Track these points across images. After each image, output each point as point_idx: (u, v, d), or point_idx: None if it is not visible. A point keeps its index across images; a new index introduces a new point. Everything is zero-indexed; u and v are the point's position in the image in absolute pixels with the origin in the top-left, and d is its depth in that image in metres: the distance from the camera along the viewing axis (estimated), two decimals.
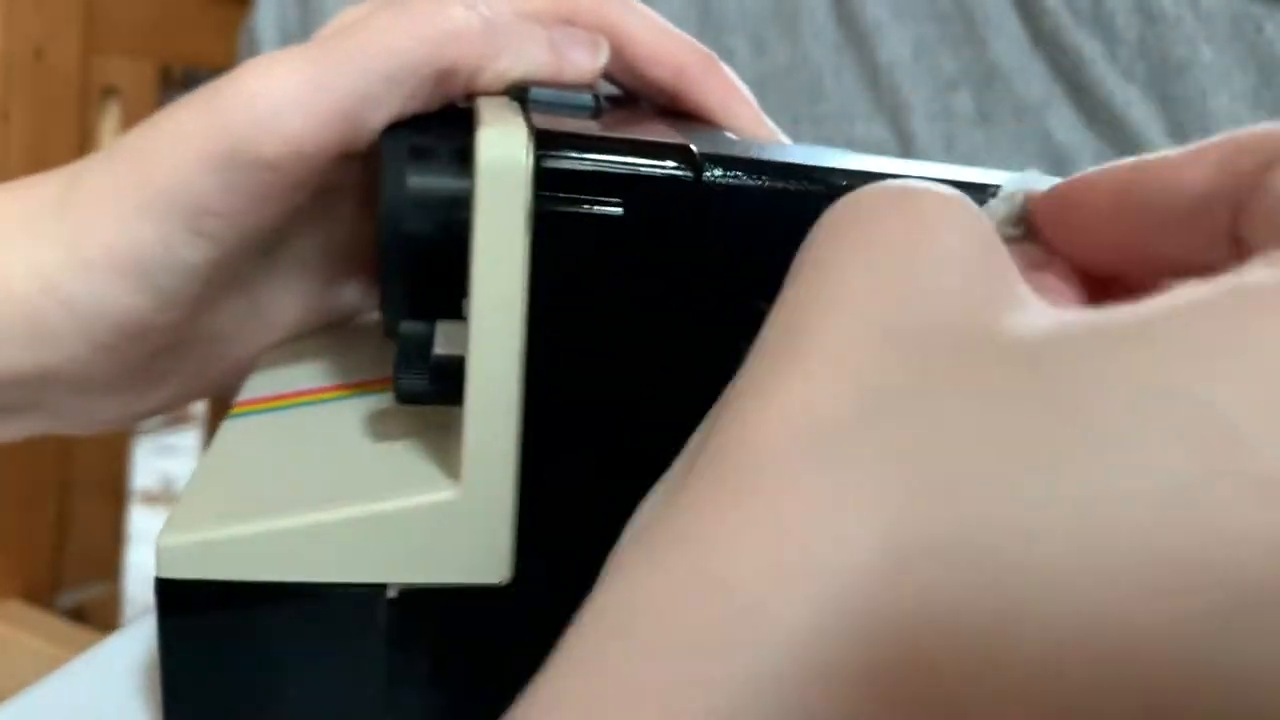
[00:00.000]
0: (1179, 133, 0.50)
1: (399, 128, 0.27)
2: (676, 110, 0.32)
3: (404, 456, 0.25)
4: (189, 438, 1.73)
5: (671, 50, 0.31)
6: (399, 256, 0.26)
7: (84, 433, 0.34)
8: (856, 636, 0.12)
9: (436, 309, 0.26)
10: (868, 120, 0.57)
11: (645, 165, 0.23)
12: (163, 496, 1.64)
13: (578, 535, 0.20)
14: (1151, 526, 0.11)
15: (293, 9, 0.71)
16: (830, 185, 0.23)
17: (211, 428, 1.09)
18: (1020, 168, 0.22)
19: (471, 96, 0.28)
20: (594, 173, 0.22)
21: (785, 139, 0.32)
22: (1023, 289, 0.15)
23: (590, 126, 0.25)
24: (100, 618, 1.01)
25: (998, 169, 0.25)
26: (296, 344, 0.34)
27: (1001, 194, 0.21)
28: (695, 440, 0.16)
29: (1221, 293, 0.12)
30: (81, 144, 0.90)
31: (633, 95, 0.33)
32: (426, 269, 0.26)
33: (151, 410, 0.33)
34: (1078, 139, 0.52)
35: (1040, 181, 0.21)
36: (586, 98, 0.28)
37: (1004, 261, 0.16)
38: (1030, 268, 0.20)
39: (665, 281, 0.23)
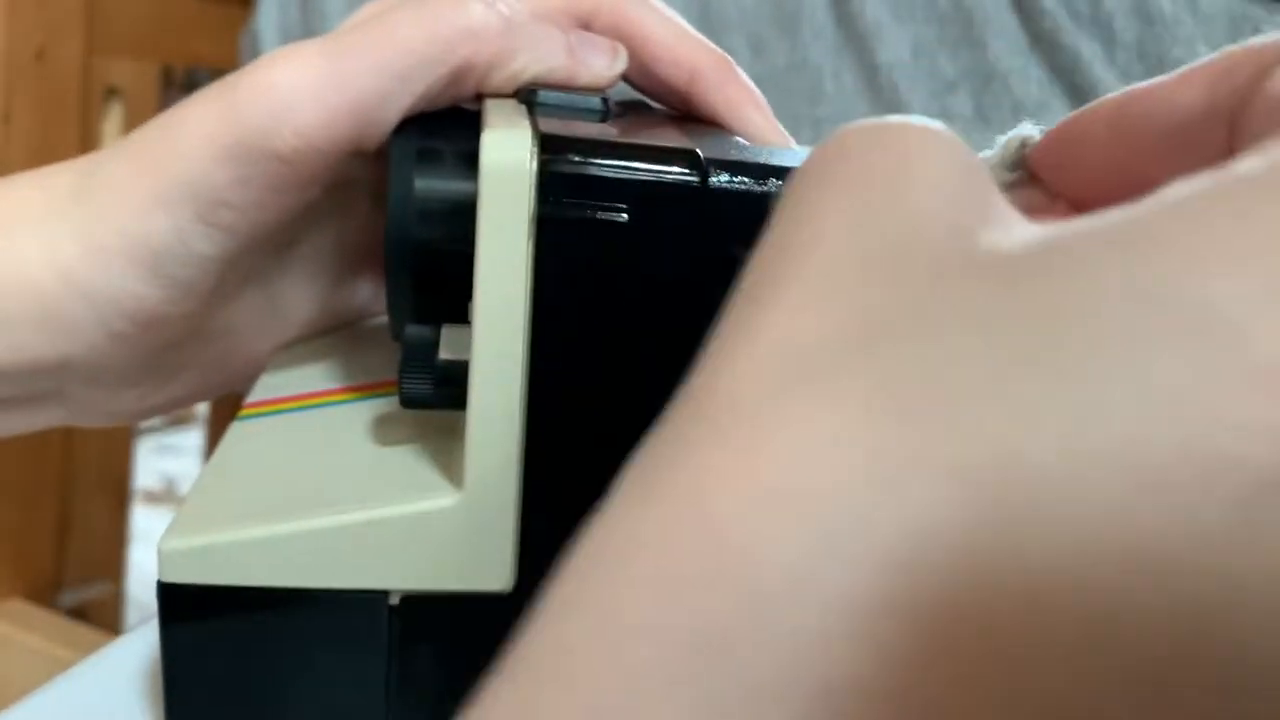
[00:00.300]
0: None
1: (408, 129, 0.27)
2: (689, 114, 0.32)
3: (408, 462, 0.25)
4: (191, 437, 1.73)
5: (687, 53, 0.31)
6: (405, 259, 0.26)
7: (101, 425, 0.34)
8: (851, 566, 0.11)
9: (443, 313, 0.26)
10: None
11: (651, 170, 0.23)
12: (165, 496, 1.64)
13: None
14: (1158, 425, 0.11)
15: (294, 9, 0.71)
16: None
17: (213, 427, 1.09)
18: None
19: (481, 97, 0.28)
20: (599, 178, 0.22)
21: (796, 145, 0.31)
22: (1007, 209, 0.15)
23: (597, 131, 0.25)
24: (102, 617, 1.01)
25: None
26: (306, 345, 0.34)
27: (1000, 139, 0.21)
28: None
29: (1212, 185, 0.12)
30: (83, 145, 0.90)
31: (645, 98, 0.33)
32: (433, 273, 0.26)
33: (168, 404, 0.34)
34: None
35: (1034, 131, 0.21)
36: (595, 101, 0.28)
37: (986, 185, 0.15)
38: (1029, 212, 0.20)
39: (670, 288, 0.23)
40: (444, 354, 0.25)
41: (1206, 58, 0.17)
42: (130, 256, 0.28)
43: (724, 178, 0.23)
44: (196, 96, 0.28)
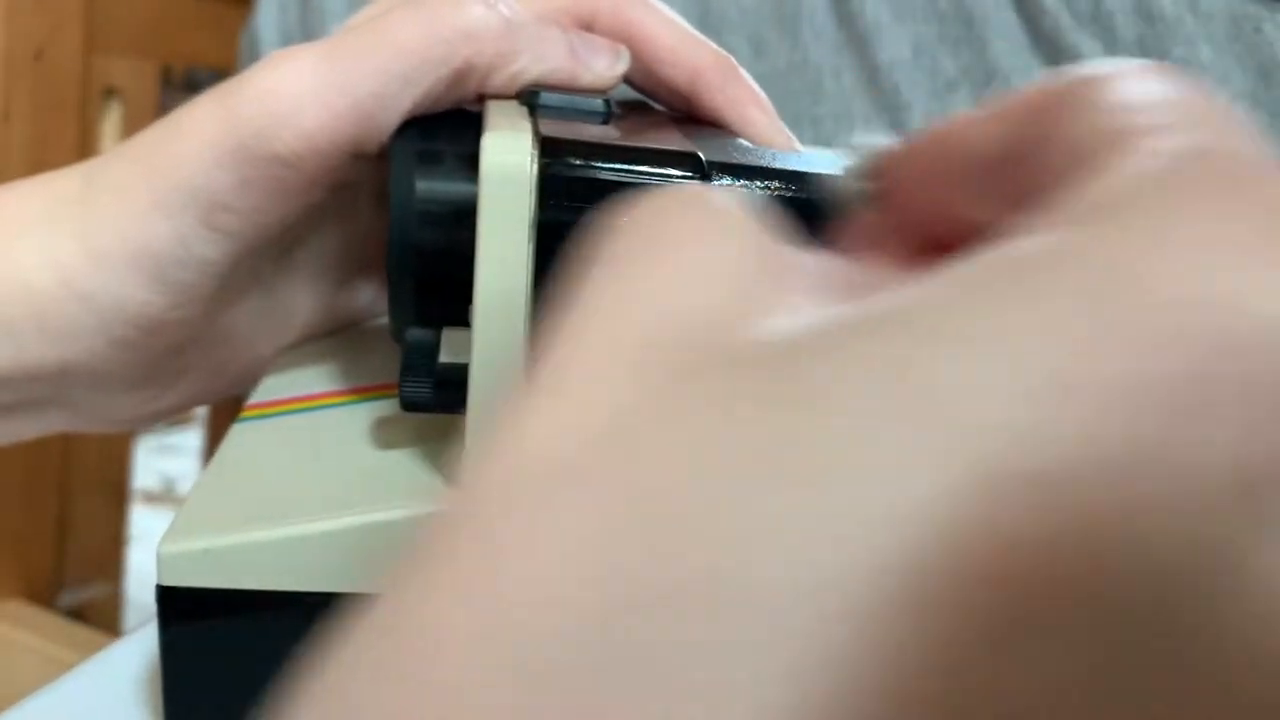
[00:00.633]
0: None
1: (409, 132, 0.27)
2: (691, 116, 0.31)
3: (408, 465, 0.25)
4: (190, 438, 1.73)
5: (689, 53, 0.31)
6: (406, 262, 0.26)
7: (103, 430, 0.34)
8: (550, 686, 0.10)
9: (444, 316, 0.26)
10: (867, 121, 0.57)
11: (652, 173, 0.22)
12: (164, 496, 1.64)
13: None
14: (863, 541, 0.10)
15: (294, 9, 0.71)
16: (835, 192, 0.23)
17: (212, 428, 1.09)
18: None
19: (483, 99, 0.28)
20: (600, 181, 0.22)
21: (800, 146, 0.31)
22: (795, 296, 0.14)
23: (599, 133, 0.25)
24: (101, 618, 1.01)
25: None
26: (308, 347, 0.34)
27: (853, 144, 0.21)
28: None
29: (975, 273, 0.12)
30: (82, 145, 0.90)
31: (647, 100, 0.33)
32: (433, 275, 0.26)
33: (171, 408, 0.34)
34: None
35: (884, 137, 0.21)
36: (597, 103, 0.28)
37: (778, 270, 0.14)
38: (869, 241, 0.19)
39: None
40: (444, 357, 0.25)
41: (1010, 93, 0.16)
42: (131, 261, 0.28)
43: (725, 181, 0.23)
44: (197, 101, 0.28)
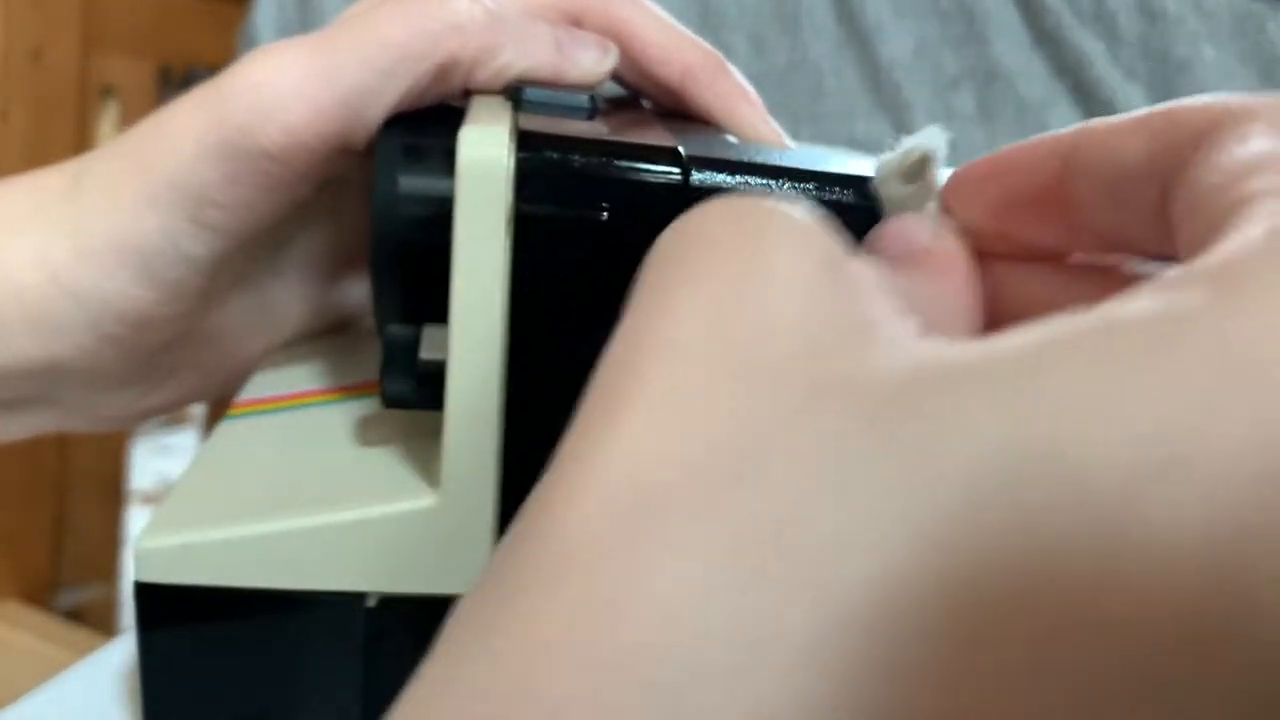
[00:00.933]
0: None
1: (394, 126, 0.27)
2: (681, 112, 0.31)
3: (388, 462, 0.25)
4: (187, 438, 1.73)
5: (678, 50, 0.31)
6: (389, 257, 0.26)
7: (94, 429, 0.34)
8: None
9: (428, 312, 0.26)
10: (869, 119, 0.56)
11: (631, 168, 0.22)
12: (161, 497, 1.63)
13: None
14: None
15: (291, 7, 0.71)
16: (824, 189, 0.23)
17: (210, 429, 1.09)
18: None
19: (469, 94, 0.28)
20: (578, 175, 0.22)
21: (790, 142, 0.31)
22: (869, 313, 0.13)
23: (581, 128, 0.25)
24: (98, 619, 1.01)
25: None
26: (300, 345, 0.34)
27: (900, 147, 0.21)
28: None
29: (1088, 333, 0.11)
30: (80, 143, 0.90)
31: (636, 96, 0.33)
32: (416, 271, 0.25)
33: (161, 407, 0.34)
34: None
35: (939, 143, 0.20)
36: (583, 99, 0.27)
37: (853, 282, 0.14)
38: (909, 253, 0.19)
39: None
40: (425, 353, 0.24)
41: (1158, 106, 0.16)
42: (119, 257, 0.28)
43: (706, 175, 0.22)
44: (186, 96, 0.28)
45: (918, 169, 0.20)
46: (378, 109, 0.27)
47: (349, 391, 0.30)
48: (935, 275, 0.18)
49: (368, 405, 0.28)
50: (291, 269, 0.33)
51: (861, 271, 0.15)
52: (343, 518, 0.23)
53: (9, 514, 0.93)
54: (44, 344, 0.29)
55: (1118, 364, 0.11)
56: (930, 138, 0.20)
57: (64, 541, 0.98)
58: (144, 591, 0.23)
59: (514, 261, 0.22)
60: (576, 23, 0.31)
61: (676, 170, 0.22)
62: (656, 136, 0.24)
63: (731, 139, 0.29)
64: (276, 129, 0.26)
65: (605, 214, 0.22)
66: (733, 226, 0.15)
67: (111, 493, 1.03)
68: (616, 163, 0.22)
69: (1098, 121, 0.17)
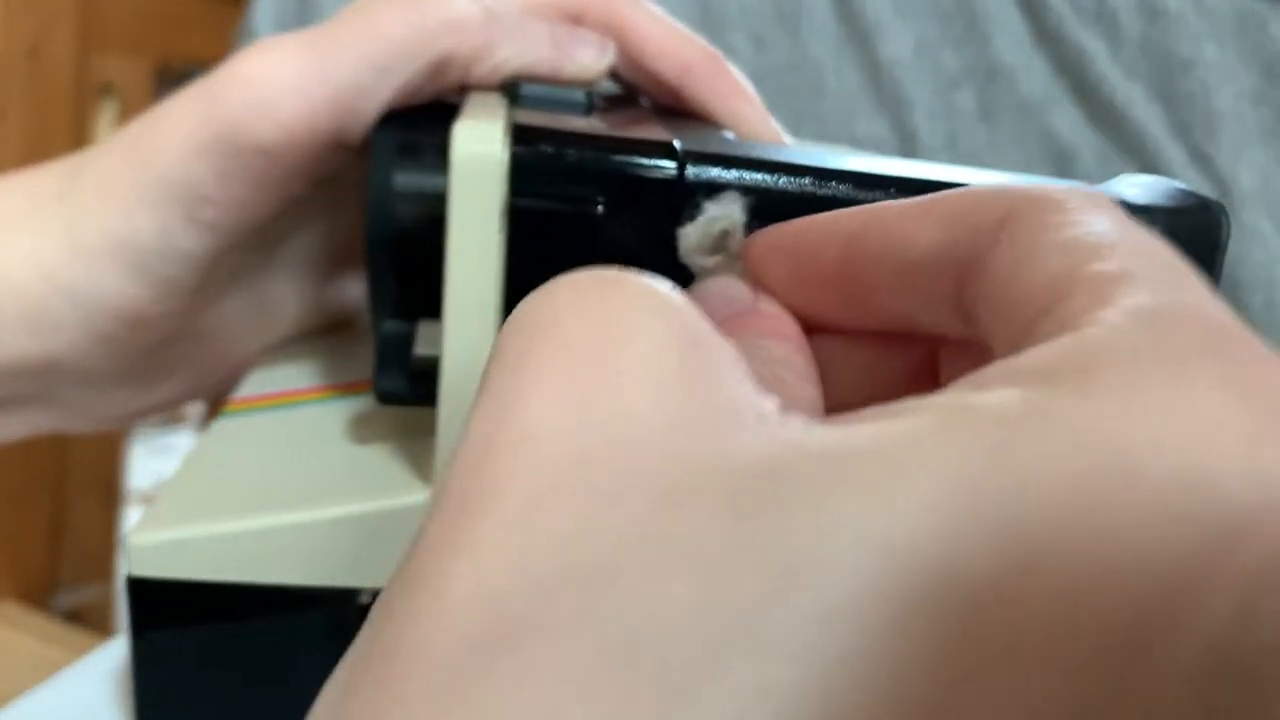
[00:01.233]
0: (1182, 131, 0.49)
1: (389, 122, 0.27)
2: (679, 109, 0.31)
3: (382, 459, 0.25)
4: (185, 438, 1.73)
5: (677, 47, 0.31)
6: (384, 253, 0.26)
7: (89, 428, 0.34)
8: None
9: (423, 308, 0.25)
10: (869, 118, 0.56)
11: (626, 162, 0.22)
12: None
13: None
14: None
15: (290, 5, 0.71)
16: (818, 184, 0.23)
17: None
18: (1023, 166, 0.21)
19: (466, 90, 0.28)
20: (572, 168, 0.22)
21: (789, 139, 0.31)
22: (732, 395, 0.13)
23: (577, 123, 0.25)
24: (95, 619, 1.01)
25: (1000, 167, 0.24)
26: (296, 343, 0.34)
27: (700, 218, 0.21)
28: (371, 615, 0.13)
29: (948, 426, 0.11)
30: (78, 142, 0.90)
31: (634, 93, 0.33)
32: (411, 267, 0.25)
33: (157, 405, 0.34)
34: (1080, 137, 0.51)
35: (737, 215, 0.20)
36: (579, 95, 0.27)
37: (711, 363, 0.13)
38: (733, 309, 0.19)
39: None
40: (418, 349, 0.24)
41: (948, 193, 0.16)
42: (114, 255, 0.28)
43: (701, 170, 0.22)
44: (181, 92, 0.28)
45: (720, 243, 0.20)
46: (373, 105, 0.27)
47: (343, 389, 0.30)
48: (773, 337, 0.18)
49: (362, 403, 0.28)
50: (287, 266, 0.33)
51: (721, 348, 0.14)
52: (335, 513, 0.23)
53: (7, 514, 0.93)
54: (40, 342, 0.29)
55: (982, 457, 0.11)
56: (730, 207, 0.20)
57: (62, 542, 0.98)
58: (137, 586, 0.23)
59: (509, 256, 0.22)
60: (576, 20, 0.31)
61: (672, 164, 0.22)
62: (652, 132, 0.24)
63: (728, 135, 0.29)
64: (270, 124, 0.26)
65: (600, 208, 0.22)
66: (592, 305, 0.14)
67: (109, 493, 1.03)
68: (611, 157, 0.22)
69: (883, 206, 0.17)
